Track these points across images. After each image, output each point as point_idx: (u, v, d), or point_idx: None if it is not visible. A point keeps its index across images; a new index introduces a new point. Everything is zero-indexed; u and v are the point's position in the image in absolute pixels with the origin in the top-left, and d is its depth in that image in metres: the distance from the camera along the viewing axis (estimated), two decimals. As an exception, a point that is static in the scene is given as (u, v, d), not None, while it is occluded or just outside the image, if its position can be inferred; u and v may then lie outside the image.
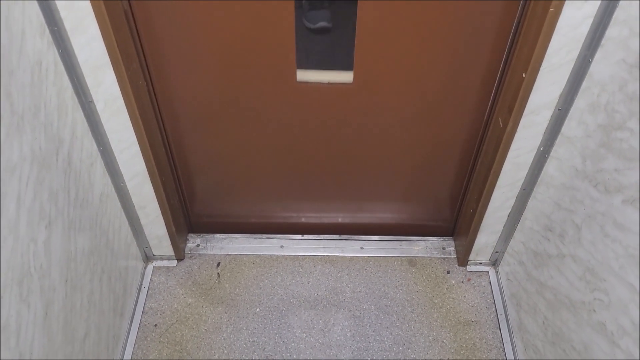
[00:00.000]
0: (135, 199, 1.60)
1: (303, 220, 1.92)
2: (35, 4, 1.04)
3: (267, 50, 1.31)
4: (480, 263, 1.85)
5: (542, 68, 1.20)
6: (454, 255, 1.90)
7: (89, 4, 1.08)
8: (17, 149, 0.97)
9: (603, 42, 1.11)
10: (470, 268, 1.86)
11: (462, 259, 1.84)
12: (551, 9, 1.07)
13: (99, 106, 1.30)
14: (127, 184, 1.53)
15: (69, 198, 1.22)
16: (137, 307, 1.75)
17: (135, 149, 1.42)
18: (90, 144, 1.34)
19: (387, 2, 1.20)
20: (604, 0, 1.05)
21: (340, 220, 1.92)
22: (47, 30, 1.10)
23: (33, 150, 1.04)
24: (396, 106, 1.47)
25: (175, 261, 1.87)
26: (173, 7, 1.22)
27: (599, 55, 1.13)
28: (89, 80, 1.24)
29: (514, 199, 1.57)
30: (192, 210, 1.88)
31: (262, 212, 1.89)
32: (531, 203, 1.52)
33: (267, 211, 1.89)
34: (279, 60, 1.34)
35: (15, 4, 0.97)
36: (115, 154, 1.43)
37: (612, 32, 1.08)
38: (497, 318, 1.73)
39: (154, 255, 1.85)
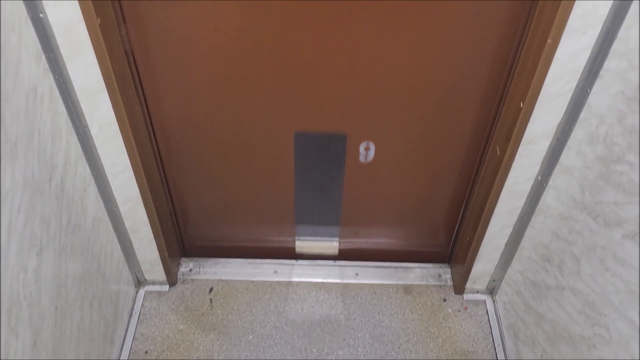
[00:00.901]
0: (128, 223, 1.58)
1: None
2: (32, 31, 1.04)
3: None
4: (477, 291, 1.84)
5: (539, 98, 1.20)
6: (450, 283, 1.88)
7: (85, 30, 1.08)
8: (9, 175, 0.96)
9: (601, 73, 1.11)
10: (466, 296, 1.84)
11: (459, 287, 1.82)
12: (549, 40, 1.07)
13: (94, 131, 1.28)
14: (120, 208, 1.51)
15: (61, 224, 1.20)
16: (127, 333, 1.72)
17: (129, 173, 1.40)
18: (83, 169, 1.32)
19: None
20: (603, 32, 1.05)
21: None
22: (43, 57, 1.09)
23: (26, 177, 1.02)
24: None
25: (168, 286, 1.84)
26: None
27: (597, 86, 1.13)
28: (84, 106, 1.22)
29: (511, 228, 1.56)
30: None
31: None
32: (529, 232, 1.51)
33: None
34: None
35: (12, 31, 0.96)
36: (109, 178, 1.42)
37: (610, 63, 1.08)
38: (495, 349, 1.71)
39: (146, 279, 1.82)
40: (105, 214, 1.48)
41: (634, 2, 0.97)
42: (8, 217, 0.96)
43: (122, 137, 1.30)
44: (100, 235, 1.45)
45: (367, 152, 1.51)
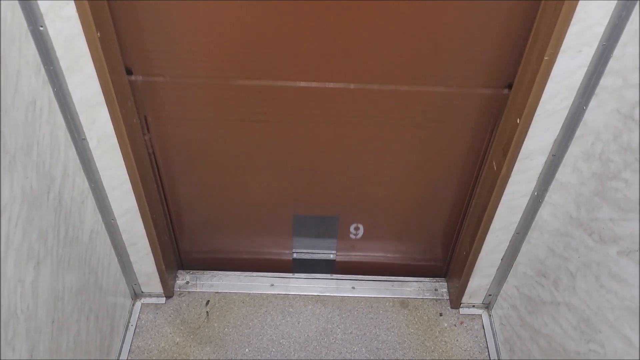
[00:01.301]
0: (125, 236, 1.58)
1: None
2: (32, 44, 1.04)
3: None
4: (473, 306, 1.83)
5: (536, 114, 1.21)
6: (446, 297, 1.88)
7: (85, 43, 1.08)
8: (7, 188, 0.96)
9: (597, 91, 1.12)
10: (463, 311, 1.84)
11: (455, 301, 1.82)
12: (546, 58, 1.08)
13: (92, 144, 1.29)
14: (117, 220, 1.51)
15: (59, 236, 1.20)
16: (123, 345, 1.71)
17: (127, 186, 1.41)
18: (82, 182, 1.32)
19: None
20: (598, 51, 1.06)
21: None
22: (43, 69, 1.09)
23: (24, 190, 1.02)
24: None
25: (164, 298, 1.84)
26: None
27: (593, 103, 1.14)
28: (83, 118, 1.23)
29: (507, 243, 1.56)
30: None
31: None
32: (525, 247, 1.51)
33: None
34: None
35: (12, 43, 0.96)
36: (107, 191, 1.42)
37: (606, 81, 1.09)
38: (491, 363, 1.71)
39: (142, 292, 1.82)
40: (103, 226, 1.48)
41: (629, 21, 0.98)
42: (6, 230, 0.96)
43: (121, 149, 1.30)
44: (97, 248, 1.45)
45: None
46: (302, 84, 1.30)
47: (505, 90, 1.30)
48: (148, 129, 1.41)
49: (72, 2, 1.02)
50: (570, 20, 1.02)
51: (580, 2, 0.98)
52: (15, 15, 0.98)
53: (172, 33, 1.19)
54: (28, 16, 1.02)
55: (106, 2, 1.11)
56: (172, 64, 1.26)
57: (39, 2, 1.02)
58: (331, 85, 1.30)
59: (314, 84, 1.30)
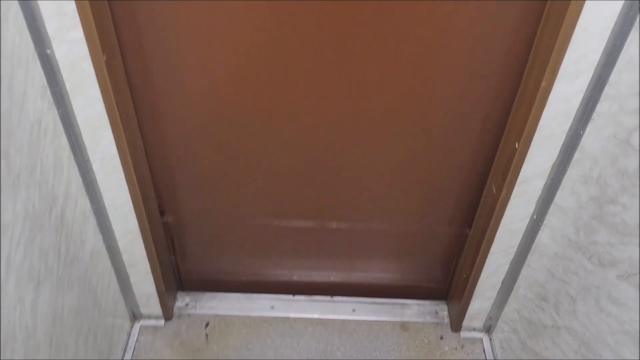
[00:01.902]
0: (125, 257, 1.58)
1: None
2: (39, 66, 1.06)
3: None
4: (474, 329, 1.83)
5: (534, 138, 1.22)
6: (447, 320, 1.87)
7: (91, 66, 1.10)
8: (10, 208, 0.97)
9: (594, 116, 1.13)
10: (463, 334, 1.83)
11: (456, 325, 1.81)
12: (543, 83, 1.10)
13: (95, 165, 1.30)
14: (118, 241, 1.52)
15: (59, 256, 1.21)
16: (121, 368, 1.70)
17: (129, 207, 1.41)
18: (84, 202, 1.34)
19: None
20: (594, 77, 1.08)
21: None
22: (49, 91, 1.11)
23: (26, 210, 1.03)
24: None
25: (163, 320, 1.83)
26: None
27: (590, 128, 1.15)
28: (87, 140, 1.24)
29: (507, 266, 1.56)
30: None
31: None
32: (525, 271, 1.51)
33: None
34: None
35: (19, 66, 0.98)
36: (109, 211, 1.43)
37: (602, 107, 1.10)
38: (491, 388, 1.69)
39: (141, 314, 1.81)
40: (104, 247, 1.49)
41: (624, 49, 1.00)
42: (7, 250, 0.97)
43: (123, 171, 1.32)
44: (97, 269, 1.45)
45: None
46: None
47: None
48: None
49: (79, 26, 1.04)
50: (567, 47, 1.04)
51: (576, 30, 1.01)
52: (23, 39, 1.00)
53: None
54: (35, 39, 1.04)
55: (113, 25, 1.13)
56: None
57: (46, 25, 1.04)
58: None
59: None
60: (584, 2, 0.97)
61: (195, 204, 1.60)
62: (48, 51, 1.07)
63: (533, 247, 1.45)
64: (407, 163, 1.46)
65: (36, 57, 1.06)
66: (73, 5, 1.01)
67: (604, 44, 1.03)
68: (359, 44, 1.18)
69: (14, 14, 0.97)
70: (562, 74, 1.08)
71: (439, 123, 1.35)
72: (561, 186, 1.29)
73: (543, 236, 1.39)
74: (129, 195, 1.38)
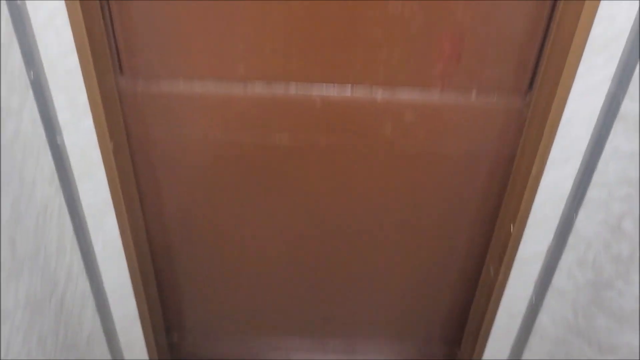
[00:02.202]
0: (122, 340, 1.56)
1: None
2: (49, 155, 1.10)
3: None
4: (477, 416, 1.77)
5: (529, 222, 1.23)
6: (449, 406, 1.82)
7: (99, 153, 1.14)
8: (12, 295, 0.97)
9: (585, 202, 1.15)
10: (466, 421, 1.77)
11: (458, 411, 1.76)
12: (533, 172, 1.13)
13: (97, 248, 1.31)
14: (116, 325, 1.50)
15: (57, 341, 1.20)
16: None
17: (129, 289, 1.42)
18: (84, 284, 1.34)
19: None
20: (583, 164, 1.11)
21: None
22: (57, 176, 1.14)
23: (28, 296, 1.03)
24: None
25: (159, 405, 1.78)
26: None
27: (582, 213, 1.17)
28: (90, 224, 1.26)
29: (509, 350, 1.54)
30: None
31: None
32: (526, 355, 1.49)
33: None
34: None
35: (30, 156, 1.02)
36: (108, 294, 1.42)
37: (592, 193, 1.13)
38: None
39: (137, 402, 1.76)
40: (101, 330, 1.47)
41: (609, 139, 1.04)
42: (7, 337, 0.96)
43: (125, 254, 1.33)
44: (94, 352, 1.43)
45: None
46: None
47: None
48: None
49: (90, 116, 1.09)
50: (555, 135, 1.08)
51: (562, 121, 1.05)
52: (35, 128, 1.04)
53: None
54: (47, 128, 1.08)
55: (121, 114, 1.18)
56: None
57: (58, 115, 1.08)
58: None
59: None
60: (568, 96, 1.02)
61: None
62: (58, 140, 1.10)
63: (533, 330, 1.44)
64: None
65: (47, 146, 1.09)
66: (85, 97, 1.06)
67: (589, 134, 1.07)
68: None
69: (30, 105, 1.01)
70: (552, 160, 1.11)
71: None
72: (558, 269, 1.29)
73: (543, 319, 1.39)
74: (129, 277, 1.39)
